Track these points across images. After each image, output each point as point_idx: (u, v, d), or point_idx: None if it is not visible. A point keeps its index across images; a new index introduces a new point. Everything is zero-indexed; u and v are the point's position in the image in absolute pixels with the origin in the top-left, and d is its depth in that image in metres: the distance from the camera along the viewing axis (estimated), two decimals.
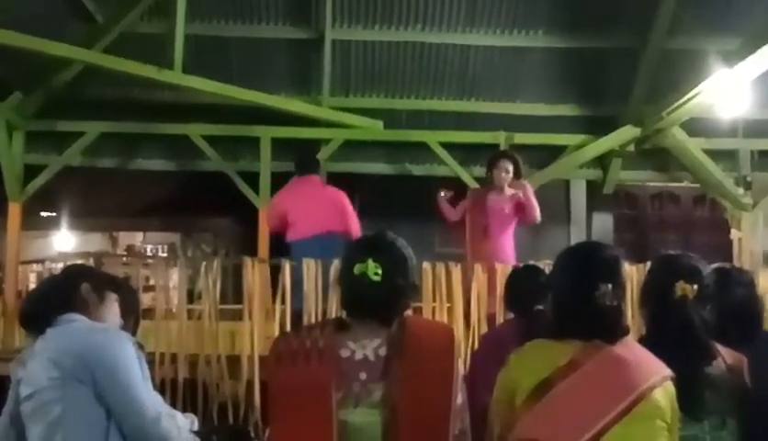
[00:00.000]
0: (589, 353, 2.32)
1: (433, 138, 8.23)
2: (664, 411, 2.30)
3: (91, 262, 6.57)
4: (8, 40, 6.39)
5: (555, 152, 8.35)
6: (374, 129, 8.10)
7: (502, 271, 5.31)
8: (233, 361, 5.56)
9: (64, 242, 11.74)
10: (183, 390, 5.43)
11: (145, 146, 8.42)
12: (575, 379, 2.28)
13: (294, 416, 2.15)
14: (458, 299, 5.71)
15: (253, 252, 7.03)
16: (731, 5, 7.45)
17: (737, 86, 6.73)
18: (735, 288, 3.04)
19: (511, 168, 6.46)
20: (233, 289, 6.21)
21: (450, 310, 5.72)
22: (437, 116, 8.56)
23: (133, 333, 2.99)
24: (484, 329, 5.45)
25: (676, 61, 7.69)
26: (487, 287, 5.67)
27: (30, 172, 7.94)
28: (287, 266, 5.55)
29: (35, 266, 8.64)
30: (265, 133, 7.99)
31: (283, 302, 5.49)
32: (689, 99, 7.03)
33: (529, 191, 6.47)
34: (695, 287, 2.66)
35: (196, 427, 2.91)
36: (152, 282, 6.49)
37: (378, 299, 2.24)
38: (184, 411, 2.98)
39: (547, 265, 3.86)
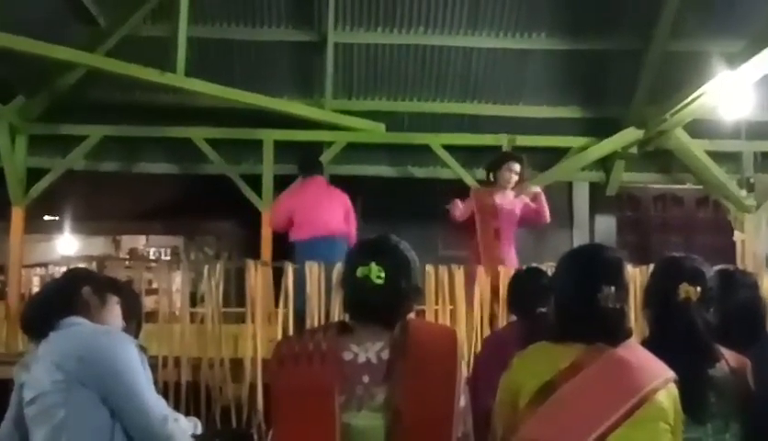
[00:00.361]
0: (592, 355, 2.32)
1: (435, 140, 8.23)
2: (667, 413, 2.29)
3: (94, 265, 6.59)
4: (11, 44, 6.40)
5: (558, 155, 8.35)
6: (376, 131, 8.11)
7: (506, 273, 5.31)
8: (236, 364, 5.57)
9: (67, 245, 11.74)
10: (186, 394, 5.44)
11: (148, 149, 8.43)
12: (578, 382, 2.28)
13: (297, 419, 2.15)
14: (461, 301, 5.71)
15: (256, 255, 7.03)
16: (734, 7, 7.44)
17: (740, 88, 6.73)
18: (738, 290, 3.03)
19: (518, 169, 6.45)
20: (236, 292, 6.21)
21: (453, 313, 5.72)
22: (440, 118, 8.57)
23: (136, 337, 2.99)
24: (487, 331, 5.45)
25: (679, 63, 7.69)
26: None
27: (33, 175, 7.96)
28: (289, 269, 5.55)
29: (38, 270, 8.64)
30: (268, 136, 8.00)
31: (286, 305, 5.49)
32: (692, 101, 7.03)
33: (542, 195, 6.49)
34: (699, 289, 2.65)
35: (199, 431, 2.91)
36: (155, 285, 6.51)
37: (380, 303, 2.24)
38: (187, 414, 2.98)
39: (549, 268, 3.86)
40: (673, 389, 2.33)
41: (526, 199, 6.42)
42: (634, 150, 8.21)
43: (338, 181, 7.52)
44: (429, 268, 5.67)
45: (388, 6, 7.79)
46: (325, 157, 7.95)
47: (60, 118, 7.96)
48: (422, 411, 2.13)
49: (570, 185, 9.73)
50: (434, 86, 8.47)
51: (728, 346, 2.67)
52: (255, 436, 5.30)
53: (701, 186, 8.95)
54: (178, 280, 6.04)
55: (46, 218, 11.04)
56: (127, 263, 10.95)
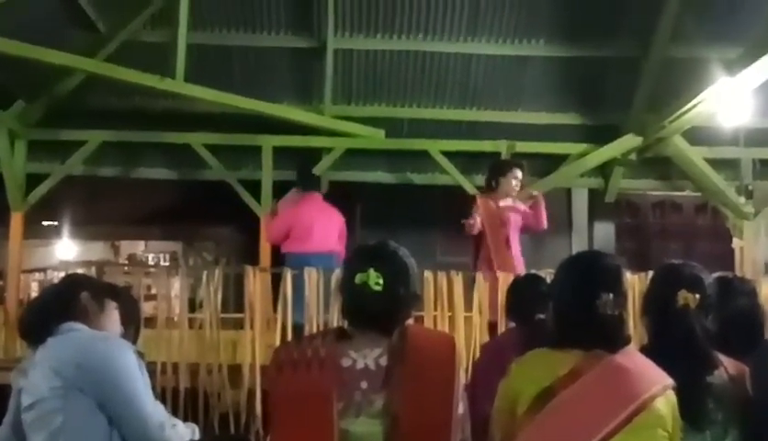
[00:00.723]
0: (590, 362, 2.32)
1: (434, 147, 8.22)
2: (666, 420, 2.29)
3: (93, 271, 6.57)
4: (10, 49, 6.39)
5: (556, 161, 8.35)
6: (376, 137, 8.10)
7: (504, 280, 5.31)
8: (234, 370, 5.56)
9: (66, 251, 11.71)
10: (184, 400, 5.43)
11: (147, 155, 8.42)
12: (576, 389, 2.28)
13: (295, 425, 2.15)
14: (460, 307, 5.71)
15: (254, 261, 7.04)
16: (733, 14, 7.45)
17: (738, 95, 6.72)
18: (737, 297, 3.03)
19: (521, 176, 6.46)
20: (235, 298, 6.21)
21: (451, 319, 5.71)
22: (439, 125, 8.56)
23: (134, 342, 2.99)
24: (486, 338, 5.45)
25: (678, 69, 7.68)
26: None
27: (32, 181, 7.95)
28: (288, 275, 5.55)
29: (37, 275, 8.64)
30: (267, 142, 7.99)
31: (284, 311, 5.49)
32: (691, 108, 7.02)
33: (542, 200, 6.53)
34: (697, 296, 2.65)
35: (197, 437, 2.90)
36: (153, 291, 6.49)
37: (379, 309, 2.24)
38: (185, 420, 2.98)
39: (548, 274, 3.86)
40: (672, 396, 2.33)
41: (524, 206, 6.44)
42: (633, 156, 8.20)
43: (337, 187, 7.52)
44: (428, 274, 5.67)
45: (387, 13, 7.78)
46: (324, 163, 7.96)
47: (59, 123, 7.96)
48: (420, 417, 2.13)
49: (568, 191, 9.74)
50: (433, 93, 8.46)
51: (726, 353, 2.67)
52: None
53: (700, 193, 8.94)
54: (177, 286, 6.02)
55: (45, 223, 11.02)
56: (125, 268, 10.91)
